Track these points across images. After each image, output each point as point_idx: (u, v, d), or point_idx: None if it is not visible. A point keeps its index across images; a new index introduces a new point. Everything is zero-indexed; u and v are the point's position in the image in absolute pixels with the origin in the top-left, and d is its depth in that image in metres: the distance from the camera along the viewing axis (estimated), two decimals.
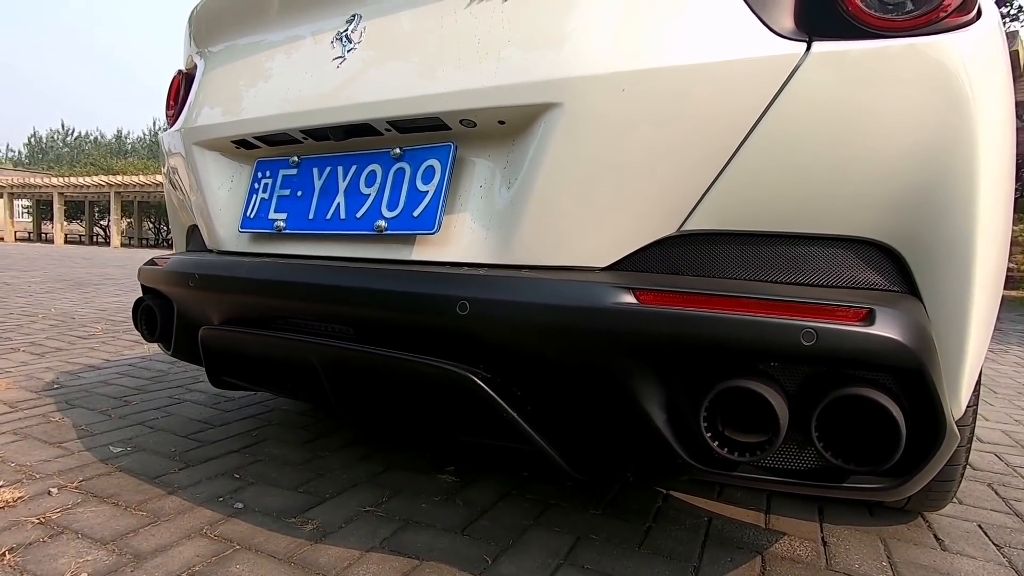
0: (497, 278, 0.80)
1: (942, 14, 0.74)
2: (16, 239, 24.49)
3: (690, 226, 0.81)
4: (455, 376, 0.82)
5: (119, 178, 21.17)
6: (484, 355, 0.83)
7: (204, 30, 1.30)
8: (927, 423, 0.72)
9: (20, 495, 1.21)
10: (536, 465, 1.49)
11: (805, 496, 1.39)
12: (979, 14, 0.78)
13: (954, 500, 1.42)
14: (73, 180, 22.45)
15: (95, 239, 28.06)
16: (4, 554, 0.99)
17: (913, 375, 0.70)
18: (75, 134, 55.74)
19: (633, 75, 0.77)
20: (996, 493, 1.49)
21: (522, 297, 0.77)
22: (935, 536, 1.23)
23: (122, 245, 22.18)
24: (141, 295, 1.44)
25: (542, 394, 0.84)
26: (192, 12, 1.33)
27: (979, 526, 1.29)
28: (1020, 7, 14.41)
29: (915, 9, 0.74)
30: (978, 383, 1.12)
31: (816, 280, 0.79)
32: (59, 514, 1.14)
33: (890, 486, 0.73)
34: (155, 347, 2.87)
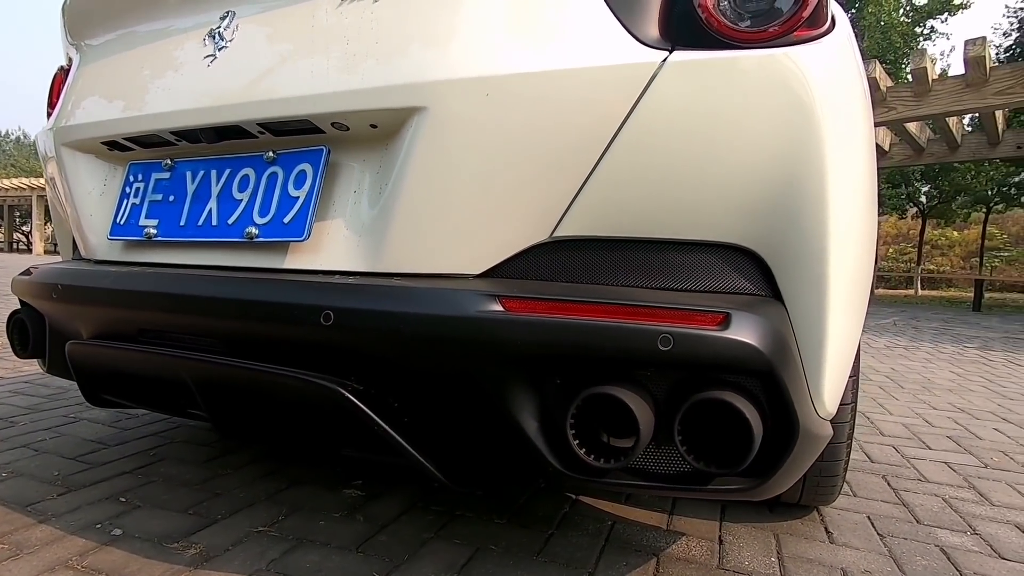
0: (360, 286, 0.77)
1: (794, 26, 0.77)
2: None
3: (561, 232, 0.80)
4: (323, 390, 0.79)
5: (42, 181, 19.89)
6: (354, 366, 0.80)
7: (76, 21, 1.21)
8: (783, 424, 0.74)
9: None
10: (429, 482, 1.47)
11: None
12: (832, 26, 0.82)
13: (848, 492, 1.48)
14: None
15: (15, 246, 26.20)
16: None
17: (766, 377, 0.72)
18: None
19: (498, 79, 0.76)
20: (888, 484, 1.57)
21: (384, 306, 0.74)
22: (826, 529, 1.28)
23: (46, 252, 20.78)
24: (17, 308, 1.33)
25: (415, 405, 0.82)
26: (64, 1, 1.24)
27: (868, 518, 1.35)
28: (933, 28, 15.50)
29: (769, 21, 0.77)
30: (855, 381, 1.17)
31: (684, 285, 0.80)
32: None
33: (751, 486, 0.75)
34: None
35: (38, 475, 1.40)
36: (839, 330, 0.83)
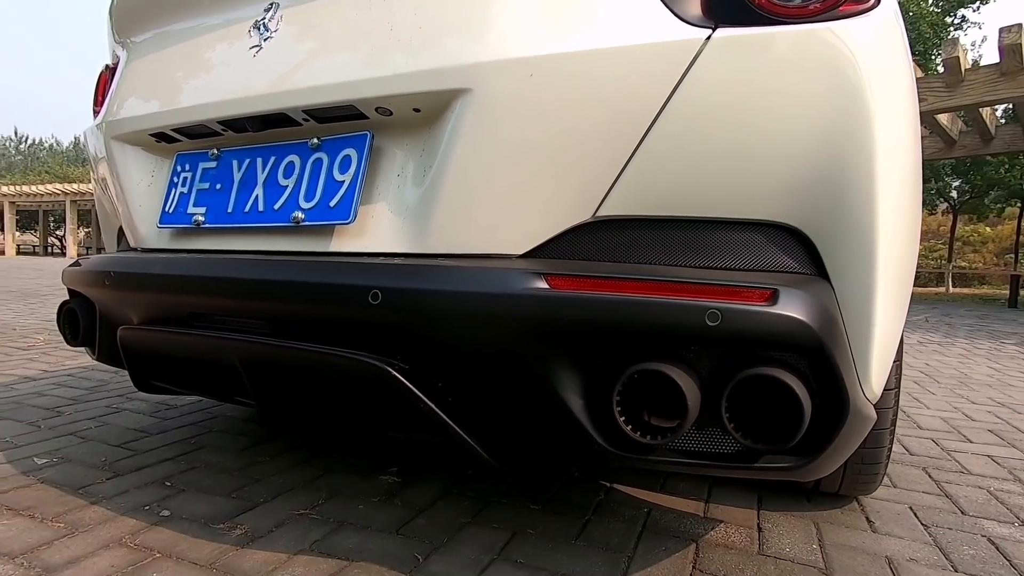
0: (408, 267, 0.78)
1: (840, 1, 0.76)
2: None
3: (604, 212, 0.81)
4: (371, 368, 0.80)
5: (75, 186, 20.46)
6: (401, 346, 0.82)
7: (123, 20, 1.25)
8: (832, 402, 0.73)
9: None
10: (474, 462, 1.48)
11: (744, 482, 1.40)
12: (878, 1, 0.80)
13: (888, 484, 1.46)
14: (26, 188, 21.60)
15: (50, 249, 27.02)
16: None
17: (815, 353, 0.71)
18: (29, 141, 53.76)
19: (541, 60, 0.77)
20: (929, 476, 1.54)
21: (432, 285, 0.75)
22: (867, 519, 1.25)
23: (79, 255, 21.40)
24: (67, 298, 1.38)
25: (461, 384, 0.83)
26: (112, 1, 1.28)
27: (910, 508, 1.32)
28: (964, 17, 15.08)
29: None
30: (899, 366, 1.15)
31: (729, 264, 0.80)
32: None
33: (798, 465, 0.74)
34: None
35: (86, 461, 1.44)
36: (886, 311, 0.82)
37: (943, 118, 7.79)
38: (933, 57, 13.58)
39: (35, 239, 27.81)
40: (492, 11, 0.81)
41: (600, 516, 1.21)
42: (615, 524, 1.18)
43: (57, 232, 27.91)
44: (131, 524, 1.12)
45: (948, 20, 15.15)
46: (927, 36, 14.08)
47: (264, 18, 0.99)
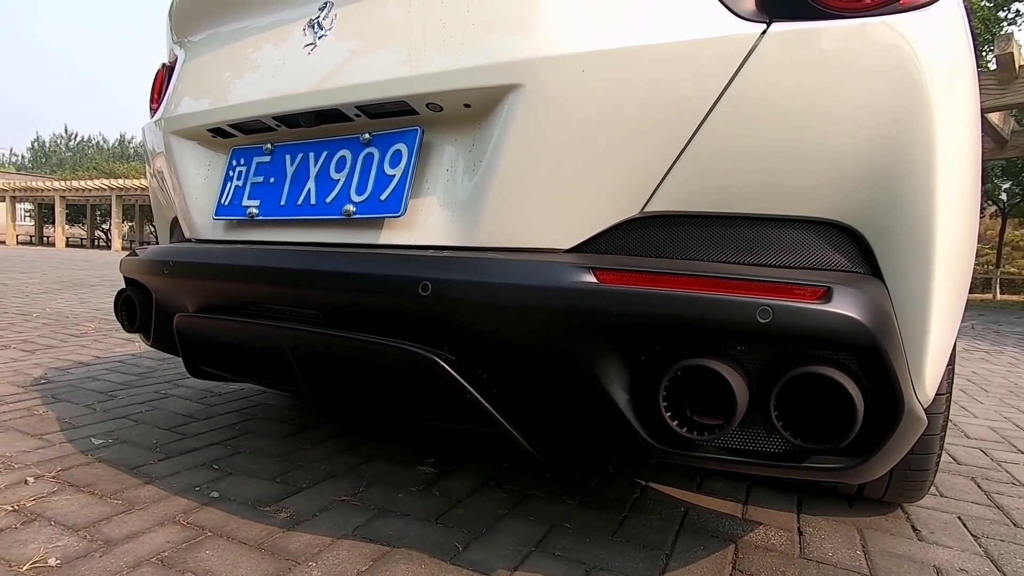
0: (457, 259, 0.80)
1: None
2: (17, 242, 24.57)
3: (653, 208, 0.81)
4: (418, 358, 0.82)
5: (120, 181, 21.26)
6: (448, 336, 0.83)
7: (182, 21, 1.30)
8: (886, 403, 0.72)
9: None
10: (513, 454, 1.49)
11: (782, 485, 1.38)
12: None
13: (934, 493, 1.41)
14: (75, 184, 22.54)
15: (96, 242, 28.14)
16: None
17: (870, 353, 0.70)
18: (78, 138, 56.08)
19: (593, 56, 0.77)
20: (978, 486, 1.49)
21: (481, 277, 0.77)
22: (913, 527, 1.22)
23: (123, 248, 22.22)
24: (124, 287, 1.44)
25: (506, 376, 0.84)
26: (171, 3, 1.34)
27: (959, 518, 1.28)
28: (1018, 11, 14.44)
29: None
30: (951, 371, 1.11)
31: (779, 261, 0.79)
32: (33, 502, 1.14)
33: (849, 466, 0.73)
34: (146, 345, 2.88)
35: (139, 442, 1.51)
36: (941, 313, 0.80)
37: (994, 117, 7.48)
38: (985, 53, 13.03)
39: (83, 232, 29.02)
40: (543, 7, 0.82)
41: (637, 513, 1.21)
42: (652, 521, 1.18)
43: (103, 226, 29.05)
44: (183, 503, 1.17)
45: (1001, 15, 14.50)
46: (979, 31, 13.51)
47: (319, 16, 1.02)
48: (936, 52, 0.75)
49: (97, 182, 21.81)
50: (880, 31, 0.73)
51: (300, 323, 0.95)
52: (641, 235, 0.83)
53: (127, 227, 26.86)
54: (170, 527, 1.07)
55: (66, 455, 1.40)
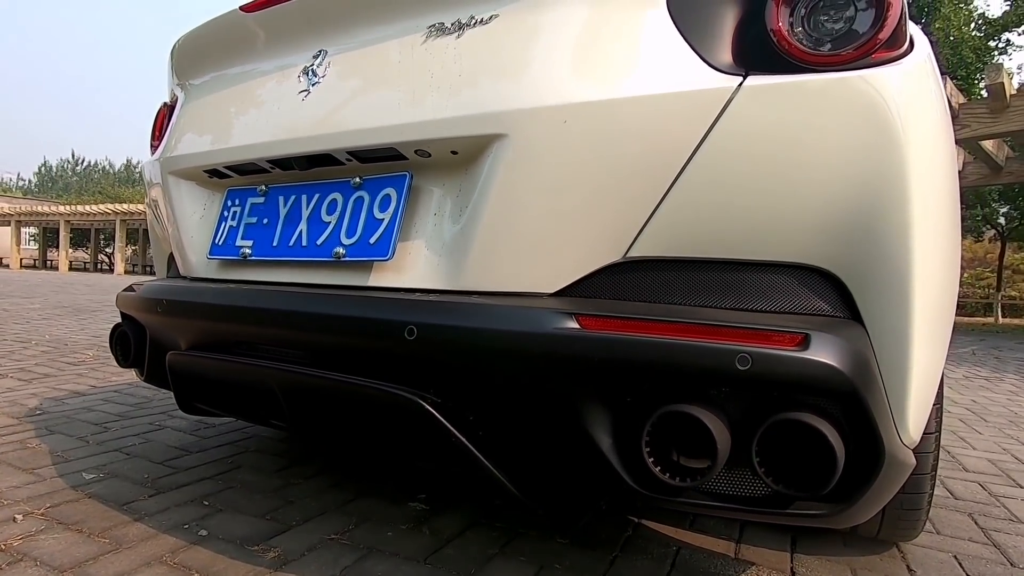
0: (443, 303, 0.81)
1: (872, 49, 0.77)
2: (21, 266, 24.70)
3: (635, 253, 0.82)
4: (404, 401, 0.83)
5: (124, 206, 21.47)
6: (433, 380, 0.84)
7: (183, 64, 1.34)
8: (867, 448, 0.72)
9: None
10: (502, 495, 1.48)
11: (774, 524, 1.37)
12: (911, 47, 0.81)
13: (931, 530, 1.40)
14: (80, 208, 22.77)
15: (99, 266, 28.27)
16: None
17: (849, 399, 0.70)
18: (85, 163, 56.79)
19: (575, 107, 0.80)
20: (975, 523, 1.47)
21: (465, 322, 0.78)
22: (908, 567, 1.21)
23: (126, 272, 22.33)
24: (120, 321, 1.45)
25: (492, 419, 0.85)
26: (173, 46, 1.38)
27: (954, 556, 1.27)
28: (1009, 41, 14.72)
29: (846, 45, 0.77)
30: (940, 409, 1.12)
31: (760, 306, 0.80)
32: (20, 541, 1.14)
33: (833, 512, 0.73)
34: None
35: (131, 477, 1.51)
36: (923, 354, 0.81)
37: (988, 144, 7.56)
38: (976, 82, 13.23)
39: (86, 256, 29.20)
40: (528, 59, 0.85)
41: (628, 553, 1.20)
42: (643, 562, 1.17)
43: (106, 249, 29.24)
44: (171, 542, 1.17)
45: (992, 44, 14.77)
46: (969, 61, 13.75)
47: (313, 64, 1.05)
48: (908, 102, 0.77)
49: (102, 207, 22.04)
50: (854, 84, 0.76)
51: (289, 363, 0.96)
52: (624, 279, 0.84)
53: (130, 251, 27.01)
54: (157, 568, 1.07)
55: (56, 490, 1.40)
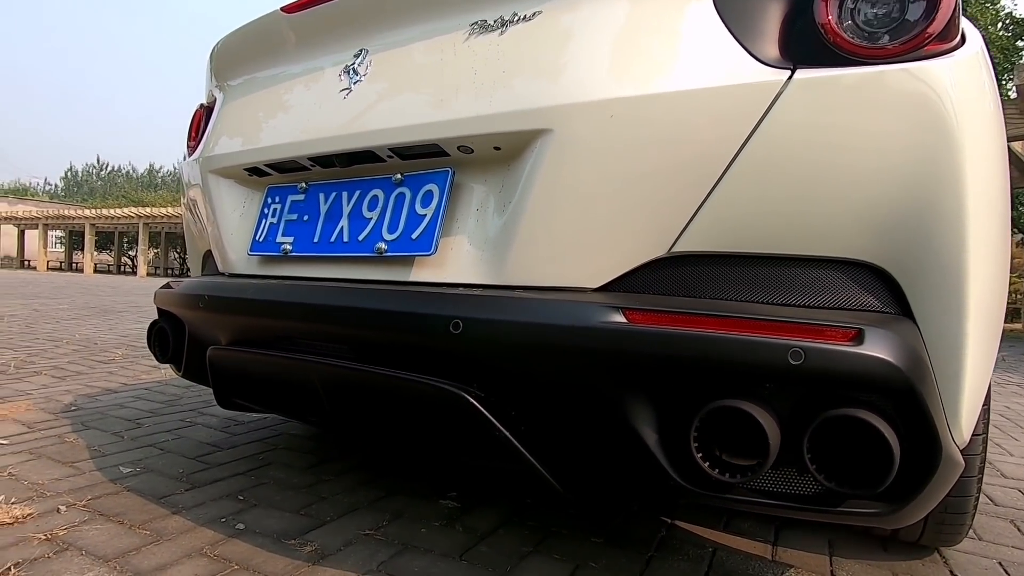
0: (489, 298, 0.82)
1: (924, 41, 0.76)
2: (48, 268, 25.28)
3: (680, 248, 0.82)
4: (448, 394, 0.83)
5: (147, 210, 21.88)
6: (477, 374, 0.85)
7: (222, 65, 1.37)
8: (923, 446, 0.71)
9: (30, 512, 1.23)
10: (538, 490, 1.48)
11: (812, 526, 1.35)
12: (963, 40, 0.80)
13: (973, 536, 1.37)
14: (104, 212, 23.25)
15: (123, 268, 28.83)
16: (9, 569, 1.01)
17: (905, 396, 0.69)
18: (109, 168, 58.04)
19: (621, 102, 0.80)
20: (1018, 529, 1.43)
21: (512, 316, 0.78)
22: (951, 572, 1.18)
23: (148, 274, 22.75)
24: (156, 318, 1.48)
25: (535, 413, 0.85)
26: (212, 49, 1.41)
27: (999, 563, 1.23)
28: None
29: (897, 37, 0.76)
30: (987, 411, 1.09)
31: (807, 301, 0.79)
32: (66, 531, 1.16)
33: (887, 511, 0.72)
34: (172, 373, 2.93)
35: (166, 472, 1.53)
36: (975, 352, 0.79)
37: (1017, 146, 7.40)
38: (1005, 83, 12.96)
39: (110, 259, 29.79)
40: (572, 55, 0.85)
41: (663, 553, 1.19)
42: (679, 562, 1.15)
43: (129, 252, 29.81)
44: (210, 535, 1.18)
45: (1020, 44, 14.46)
46: (998, 61, 13.47)
47: (354, 63, 1.07)
48: (960, 95, 0.76)
49: (126, 210, 22.48)
50: (905, 77, 0.75)
51: (330, 357, 0.97)
52: (668, 275, 0.84)
53: (152, 254, 27.51)
54: (198, 559, 1.08)
55: (96, 484, 1.42)
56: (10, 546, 1.09)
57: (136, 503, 1.32)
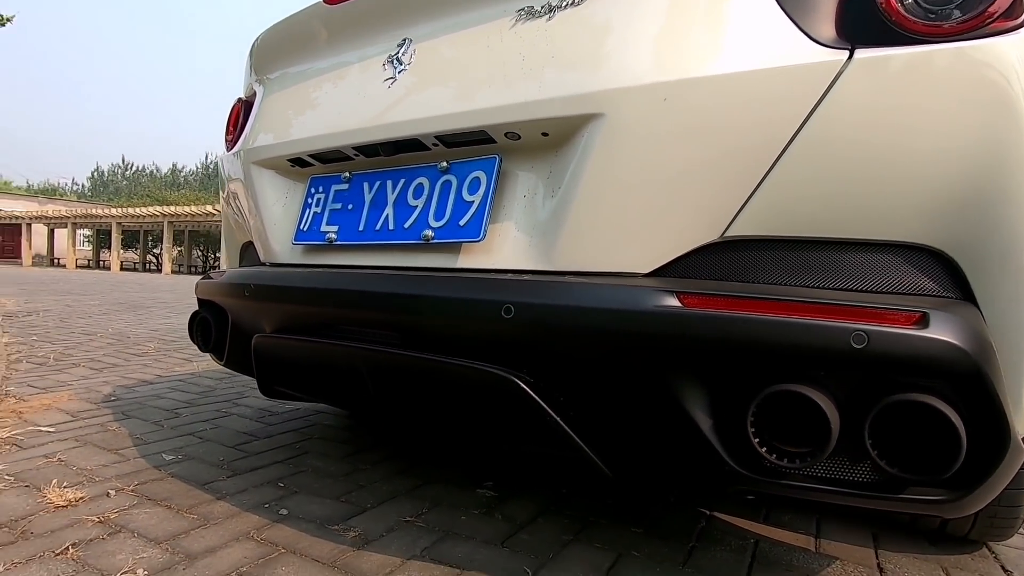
0: (542, 283, 0.82)
1: (988, 19, 0.74)
2: (76, 266, 25.91)
3: (733, 232, 0.81)
4: (498, 379, 0.83)
5: (172, 209, 22.28)
6: (528, 359, 0.85)
7: (263, 59, 1.39)
8: (990, 431, 0.69)
9: (81, 496, 1.27)
10: (575, 479, 1.48)
11: (855, 518, 1.33)
12: None
13: (1021, 531, 1.33)
14: (130, 211, 23.74)
15: (148, 266, 29.42)
16: (67, 548, 1.04)
17: (972, 380, 0.68)
18: (134, 168, 59.23)
19: (674, 85, 0.79)
20: None
21: (566, 301, 0.78)
22: (1003, 568, 1.16)
23: (172, 272, 23.19)
24: (197, 308, 1.51)
25: (585, 398, 0.85)
26: (253, 44, 1.42)
27: None
28: None
29: (961, 15, 0.75)
30: None
31: (865, 286, 0.78)
32: (116, 514, 1.19)
33: (951, 499, 0.70)
34: (203, 365, 2.98)
35: (206, 459, 1.56)
36: None
37: None
38: None
39: (135, 256, 30.43)
40: (623, 38, 0.84)
41: (705, 543, 1.18)
42: (722, 553, 1.15)
43: (154, 250, 30.41)
44: (255, 520, 1.20)
45: None
46: None
47: (398, 52, 1.07)
48: None
49: (151, 209, 22.91)
50: (969, 55, 0.73)
51: (377, 344, 0.98)
52: (720, 259, 0.83)
53: (176, 252, 28.04)
54: (245, 543, 1.10)
55: (141, 470, 1.46)
56: (66, 527, 1.13)
57: (181, 489, 1.35)
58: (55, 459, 1.50)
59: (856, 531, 1.28)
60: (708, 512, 1.34)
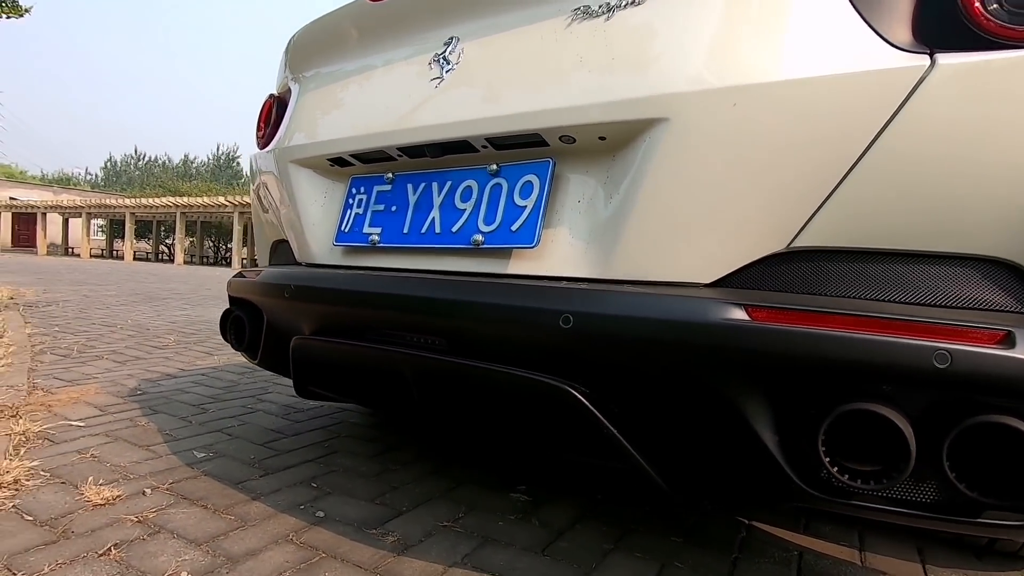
0: (602, 292, 0.80)
1: None
2: (90, 255, 26.17)
3: (800, 243, 0.78)
4: (553, 390, 0.82)
5: (184, 199, 22.39)
6: (584, 369, 0.83)
7: (300, 56, 1.37)
8: None
9: (118, 494, 1.27)
10: (610, 485, 1.46)
11: (898, 532, 1.30)
12: None
13: None
14: (144, 201, 23.91)
15: (160, 256, 29.65)
16: (109, 549, 1.04)
17: None
18: (146, 159, 59.59)
19: (745, 89, 0.76)
20: None
21: (629, 311, 0.76)
22: None
23: (184, 262, 23.35)
24: (229, 306, 1.50)
25: (644, 411, 0.83)
26: (289, 41, 1.41)
27: None
28: None
29: None
30: None
31: (939, 301, 0.75)
32: (154, 514, 1.19)
33: None
34: (224, 359, 2.99)
35: (238, 457, 1.56)
36: None
37: None
38: None
39: (148, 247, 30.67)
40: (689, 40, 0.82)
41: (748, 554, 1.16)
42: (767, 565, 1.13)
43: (166, 241, 30.64)
44: (292, 522, 1.20)
45: None
46: None
47: (444, 52, 1.05)
48: None
49: (164, 199, 23.06)
50: None
51: (423, 349, 0.97)
52: (784, 270, 0.80)
53: (188, 242, 28.23)
54: (285, 546, 1.10)
55: (174, 467, 1.46)
56: (106, 526, 1.12)
57: (216, 488, 1.34)
58: (88, 455, 1.50)
59: (900, 544, 1.25)
60: (747, 521, 1.32)
